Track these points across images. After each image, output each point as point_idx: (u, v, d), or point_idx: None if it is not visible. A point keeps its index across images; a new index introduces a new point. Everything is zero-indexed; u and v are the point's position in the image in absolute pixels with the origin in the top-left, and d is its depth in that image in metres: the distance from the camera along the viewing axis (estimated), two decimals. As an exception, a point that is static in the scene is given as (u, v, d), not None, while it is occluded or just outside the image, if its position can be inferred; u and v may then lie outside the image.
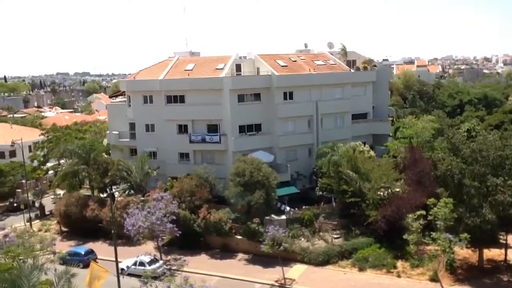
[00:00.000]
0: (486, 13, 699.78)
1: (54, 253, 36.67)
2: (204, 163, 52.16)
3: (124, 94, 63.39)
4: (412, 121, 55.81)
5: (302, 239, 44.10)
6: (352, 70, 61.06)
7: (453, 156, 39.37)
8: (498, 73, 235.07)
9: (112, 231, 32.64)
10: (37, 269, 23.29)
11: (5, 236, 38.24)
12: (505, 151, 37.67)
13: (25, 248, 34.34)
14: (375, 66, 63.93)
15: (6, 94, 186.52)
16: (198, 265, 42.24)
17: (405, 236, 35.21)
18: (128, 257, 42.72)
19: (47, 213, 59.91)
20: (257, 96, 54.30)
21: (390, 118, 66.08)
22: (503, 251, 40.89)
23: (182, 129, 54.84)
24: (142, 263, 41.28)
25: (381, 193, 45.55)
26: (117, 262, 31.68)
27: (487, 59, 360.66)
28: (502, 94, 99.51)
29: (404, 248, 40.02)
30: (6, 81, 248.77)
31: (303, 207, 48.00)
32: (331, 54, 63.42)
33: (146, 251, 44.69)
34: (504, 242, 40.86)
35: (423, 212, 34.92)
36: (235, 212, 46.51)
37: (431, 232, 34.63)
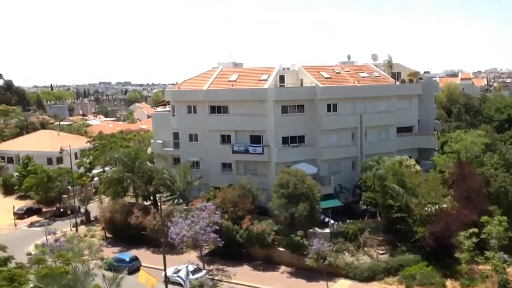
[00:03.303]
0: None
1: (102, 259, 37.31)
2: (246, 173, 52.17)
3: (168, 104, 64.42)
4: (461, 135, 54.25)
5: (346, 253, 43.35)
6: (397, 83, 60.12)
7: (507, 172, 38.00)
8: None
9: (162, 240, 32.99)
10: (90, 275, 23.89)
11: (56, 240, 39.19)
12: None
13: (74, 253, 35.15)
14: (420, 78, 62.76)
15: (52, 102, 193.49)
16: (241, 276, 42.17)
17: (456, 255, 34.02)
18: (171, 265, 42.99)
19: (92, 219, 61.17)
20: (300, 108, 54.05)
21: (436, 132, 64.61)
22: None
23: (225, 139, 55.13)
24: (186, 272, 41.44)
25: (428, 209, 44.36)
26: (165, 270, 31.96)
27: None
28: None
29: (453, 266, 38.78)
30: (52, 89, 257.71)
31: (347, 221, 47.23)
32: (376, 66, 62.69)
33: (188, 259, 45.19)
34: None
35: (476, 230, 33.70)
36: (277, 223, 46.26)
37: (485, 252, 33.34)
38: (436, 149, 61.24)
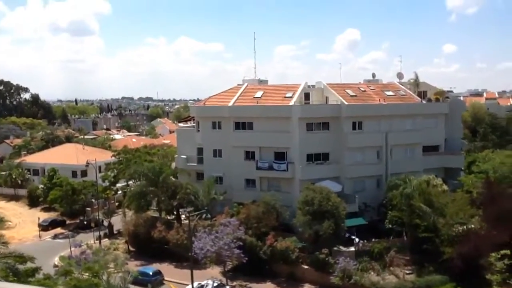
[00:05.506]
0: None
1: (128, 272, 37.39)
2: (270, 190, 52.09)
3: (191, 119, 64.93)
4: (489, 155, 53.37)
5: (372, 272, 42.70)
6: (423, 101, 59.65)
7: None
8: None
9: (190, 254, 33.00)
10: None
11: (82, 253, 39.49)
12: None
13: (100, 266, 35.34)
14: (447, 97, 62.20)
15: (77, 116, 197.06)
16: (265, 293, 41.78)
17: (488, 276, 33.23)
18: (195, 280, 42.73)
19: (115, 232, 61.50)
20: (325, 125, 54.02)
21: (462, 152, 63.67)
22: None
23: (249, 155, 55.21)
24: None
25: (456, 229, 43.53)
26: (192, 284, 31.90)
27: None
28: None
29: (482, 288, 37.74)
30: (76, 104, 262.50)
31: (372, 239, 46.61)
32: (401, 84, 62.39)
33: (211, 275, 44.95)
34: None
35: (508, 252, 32.89)
36: (301, 241, 45.90)
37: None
38: (463, 168, 60.34)
